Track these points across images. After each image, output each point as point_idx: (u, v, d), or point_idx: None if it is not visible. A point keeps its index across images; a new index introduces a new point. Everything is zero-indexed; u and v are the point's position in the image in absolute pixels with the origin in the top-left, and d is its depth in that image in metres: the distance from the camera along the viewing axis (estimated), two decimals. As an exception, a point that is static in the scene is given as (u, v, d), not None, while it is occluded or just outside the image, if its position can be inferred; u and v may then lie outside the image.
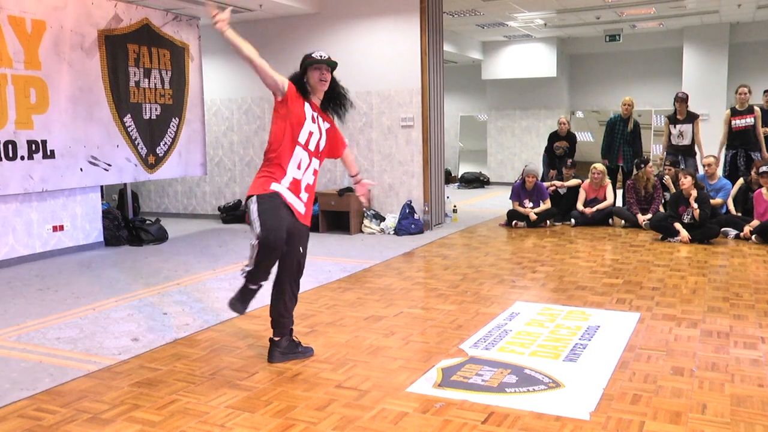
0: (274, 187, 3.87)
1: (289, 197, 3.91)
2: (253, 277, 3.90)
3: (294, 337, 4.16)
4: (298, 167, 3.96)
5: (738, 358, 4.00)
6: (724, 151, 9.83)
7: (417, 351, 4.23)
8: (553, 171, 10.69)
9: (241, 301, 3.98)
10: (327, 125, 4.16)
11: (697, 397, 3.42)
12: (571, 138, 11.16)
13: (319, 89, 4.04)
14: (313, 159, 4.04)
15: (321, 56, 4.00)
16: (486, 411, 3.28)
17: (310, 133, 3.99)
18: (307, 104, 4.00)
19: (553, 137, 11.27)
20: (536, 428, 3.09)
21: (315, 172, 4.09)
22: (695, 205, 7.90)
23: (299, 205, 3.97)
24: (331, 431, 3.09)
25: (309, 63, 3.99)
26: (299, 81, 4.02)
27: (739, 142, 9.53)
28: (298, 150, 3.95)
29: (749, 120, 9.40)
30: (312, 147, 4.01)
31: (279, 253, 3.87)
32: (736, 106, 9.57)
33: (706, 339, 4.38)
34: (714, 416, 3.18)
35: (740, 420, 3.14)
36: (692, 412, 3.23)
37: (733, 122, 9.50)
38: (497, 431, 3.06)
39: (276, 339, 4.10)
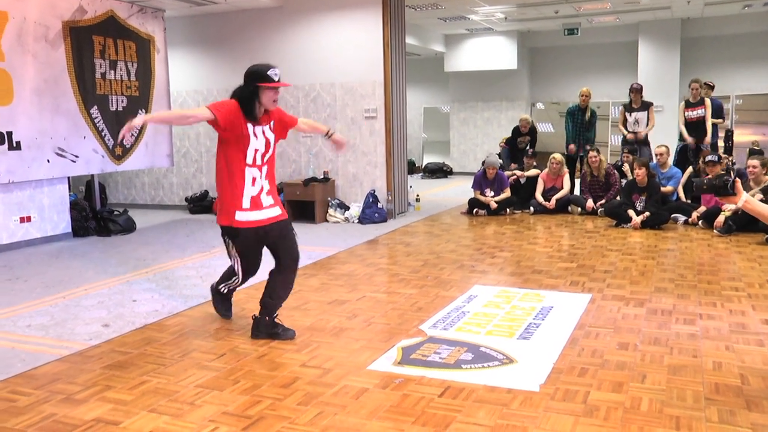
0: (239, 217, 4.12)
1: (255, 216, 4.16)
2: (229, 292, 4.72)
3: (277, 320, 4.37)
4: (253, 184, 4.14)
5: (678, 333, 4.29)
6: (677, 141, 10.27)
7: (378, 332, 4.44)
8: (514, 165, 11.10)
9: (225, 306, 4.78)
10: (270, 127, 4.19)
11: (638, 368, 3.69)
12: (532, 133, 11.80)
13: (270, 109, 4.13)
14: (263, 168, 4.20)
15: (278, 77, 4.04)
16: (443, 386, 3.50)
17: (256, 150, 4.11)
18: (249, 125, 4.05)
19: (516, 133, 11.96)
20: (489, 400, 3.32)
21: (270, 172, 4.26)
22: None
23: (267, 213, 4.20)
24: (296, 406, 3.28)
25: (264, 83, 4.00)
26: (246, 99, 4.02)
27: (692, 133, 9.93)
28: (248, 171, 4.11)
29: (700, 111, 9.84)
30: (260, 161, 4.15)
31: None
32: (690, 99, 9.97)
33: (651, 317, 4.66)
34: (652, 385, 3.45)
35: (674, 387, 3.41)
36: (633, 382, 3.49)
37: (686, 113, 9.95)
38: (452, 403, 3.28)
39: (259, 317, 4.34)
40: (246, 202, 4.13)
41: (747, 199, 3.19)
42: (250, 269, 4.43)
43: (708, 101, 9.94)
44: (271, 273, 4.35)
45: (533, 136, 11.83)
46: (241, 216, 4.13)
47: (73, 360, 4.01)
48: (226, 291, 4.70)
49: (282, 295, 4.35)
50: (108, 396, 3.45)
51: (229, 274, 4.54)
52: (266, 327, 4.32)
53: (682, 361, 3.78)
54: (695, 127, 9.92)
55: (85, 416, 3.21)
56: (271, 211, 4.23)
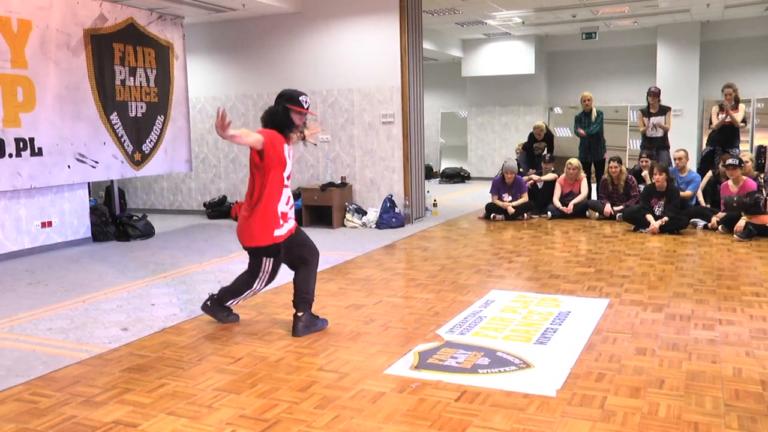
0: (278, 233, 4.40)
1: (285, 228, 4.44)
2: (233, 303, 4.88)
3: (312, 312, 4.60)
4: (287, 203, 4.45)
5: (696, 339, 4.25)
6: (696, 145, 10.12)
7: (395, 336, 4.45)
8: (532, 170, 11.07)
9: (225, 312, 4.84)
10: (290, 145, 4.52)
11: (656, 373, 3.66)
12: (548, 139, 11.78)
13: (297, 131, 4.50)
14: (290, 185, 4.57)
15: (308, 105, 4.41)
16: (459, 390, 3.50)
17: (289, 175, 4.47)
18: (286, 145, 4.39)
19: (532, 138, 11.93)
20: (505, 404, 3.31)
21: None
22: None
23: (291, 223, 4.50)
24: (313, 410, 3.29)
25: (296, 106, 4.36)
26: (282, 120, 4.35)
27: (719, 138, 9.74)
28: (285, 191, 4.42)
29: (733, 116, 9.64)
30: (289, 179, 4.47)
31: None
32: (722, 104, 9.75)
33: (669, 322, 4.63)
34: (670, 390, 3.43)
35: (693, 392, 3.39)
36: (651, 387, 3.47)
37: (719, 117, 9.70)
38: (469, 408, 3.28)
39: (300, 314, 4.51)
40: (281, 219, 4.41)
41: None
42: (269, 282, 4.67)
43: (742, 106, 9.76)
44: (298, 274, 4.58)
45: (549, 142, 11.79)
46: (278, 232, 4.40)
47: (93, 363, 4.05)
48: (231, 303, 4.82)
49: (311, 289, 4.57)
50: (127, 399, 3.49)
51: (240, 289, 4.70)
52: (304, 322, 4.51)
53: (701, 367, 3.75)
54: (724, 131, 9.72)
55: (104, 418, 3.25)
56: (292, 221, 4.54)
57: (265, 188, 4.32)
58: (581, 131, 10.68)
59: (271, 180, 4.31)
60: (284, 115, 4.35)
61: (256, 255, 4.52)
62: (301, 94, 4.41)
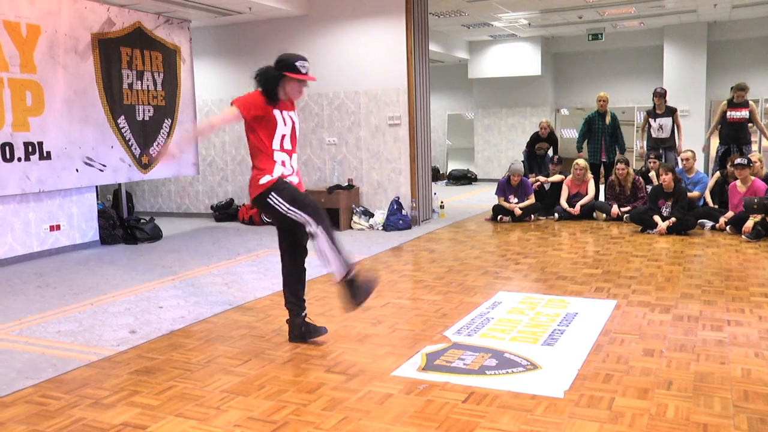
0: (276, 173, 4.11)
1: (288, 177, 4.18)
2: (344, 266, 3.99)
3: (308, 319, 4.43)
4: (283, 165, 4.19)
5: (705, 340, 4.24)
6: (717, 145, 10.03)
7: (403, 338, 4.45)
8: (532, 174, 10.99)
9: (362, 287, 4.03)
10: (295, 112, 4.29)
11: (664, 375, 3.65)
12: (552, 140, 11.61)
13: (294, 99, 4.26)
14: (293, 155, 4.26)
15: (306, 70, 4.12)
16: (466, 392, 3.50)
17: (283, 136, 4.16)
18: (275, 110, 4.10)
19: (535, 139, 11.79)
20: (513, 406, 3.31)
21: (293, 152, 4.28)
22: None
23: (294, 179, 4.24)
24: (321, 412, 3.30)
25: (293, 72, 4.08)
26: (271, 85, 4.07)
27: (733, 135, 9.69)
28: (276, 155, 4.15)
29: (744, 113, 9.62)
30: (288, 146, 4.20)
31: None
32: (733, 100, 9.71)
33: (677, 323, 4.62)
34: (678, 391, 3.42)
35: (701, 394, 3.38)
36: (659, 389, 3.46)
37: (728, 113, 9.68)
38: (476, 409, 3.28)
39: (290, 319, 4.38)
40: (278, 172, 4.14)
41: None
42: (308, 203, 4.10)
43: (753, 104, 9.72)
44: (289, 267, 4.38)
45: (553, 143, 11.66)
46: (278, 171, 4.12)
47: (102, 365, 4.07)
48: (345, 271, 4.01)
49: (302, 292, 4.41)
50: (135, 401, 3.50)
51: (318, 252, 4.03)
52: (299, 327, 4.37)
53: (709, 368, 3.73)
54: (737, 128, 9.69)
55: (113, 420, 3.26)
56: (296, 179, 4.29)
57: (257, 147, 4.12)
58: (581, 154, 10.50)
59: (260, 138, 4.09)
60: (277, 82, 4.08)
61: (263, 207, 4.17)
62: (299, 58, 4.11)
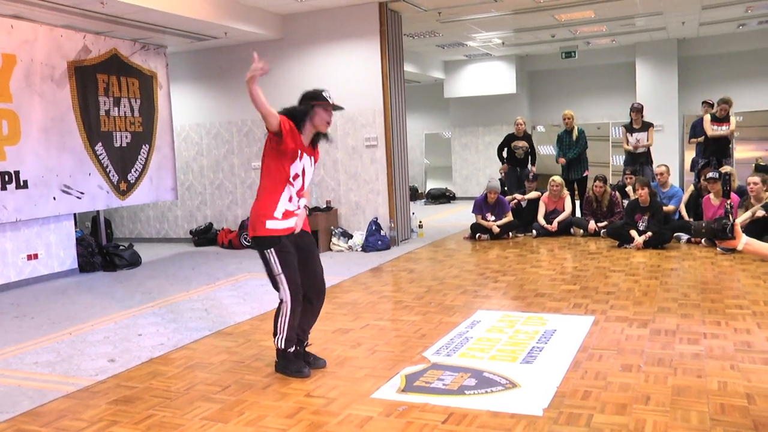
0: (269, 226, 4.08)
1: (286, 224, 4.15)
2: (290, 342, 4.21)
3: (307, 350, 4.39)
4: (290, 200, 4.15)
5: (682, 353, 4.29)
6: (692, 156, 10.23)
7: (382, 360, 4.46)
8: (514, 196, 10.57)
9: (294, 364, 4.24)
10: (313, 158, 4.24)
11: (642, 389, 3.69)
12: (528, 138, 11.34)
13: (322, 131, 4.19)
14: (302, 197, 4.24)
15: (331, 99, 4.09)
16: (446, 412, 3.51)
17: (296, 175, 4.12)
18: (303, 150, 4.08)
19: (510, 138, 11.33)
20: (492, 426, 3.32)
21: (302, 193, 4.26)
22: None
23: (289, 223, 4.19)
24: (302, 436, 3.30)
25: (320, 101, 4.07)
26: (298, 117, 4.06)
27: (713, 149, 9.91)
28: (290, 188, 4.12)
29: (725, 128, 9.82)
30: (299, 185, 4.16)
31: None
32: (716, 114, 9.92)
33: (655, 337, 4.67)
34: (656, 406, 3.45)
35: (678, 407, 3.42)
36: (637, 404, 3.49)
37: (713, 126, 9.88)
38: (456, 430, 3.29)
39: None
40: (279, 213, 4.12)
41: (747, 242, 3.13)
42: (295, 280, 4.16)
43: (734, 120, 9.94)
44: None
45: (530, 141, 11.29)
46: (272, 225, 4.10)
47: (80, 396, 4.03)
48: (286, 344, 4.21)
49: (305, 328, 4.39)
50: (114, 431, 3.47)
51: (276, 317, 4.22)
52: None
53: (686, 382, 3.78)
54: (721, 142, 9.88)
55: (91, 452, 3.23)
56: (300, 222, 4.28)
57: (271, 175, 4.09)
58: (561, 159, 10.68)
59: (279, 168, 4.06)
60: (307, 116, 4.07)
61: (258, 249, 4.18)
62: (323, 89, 4.12)
